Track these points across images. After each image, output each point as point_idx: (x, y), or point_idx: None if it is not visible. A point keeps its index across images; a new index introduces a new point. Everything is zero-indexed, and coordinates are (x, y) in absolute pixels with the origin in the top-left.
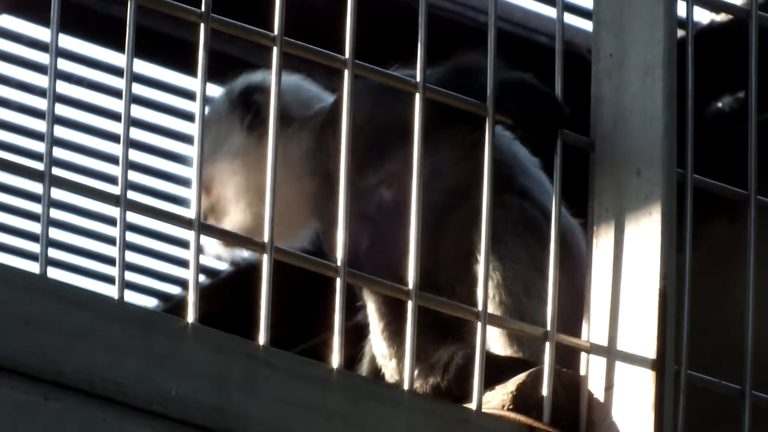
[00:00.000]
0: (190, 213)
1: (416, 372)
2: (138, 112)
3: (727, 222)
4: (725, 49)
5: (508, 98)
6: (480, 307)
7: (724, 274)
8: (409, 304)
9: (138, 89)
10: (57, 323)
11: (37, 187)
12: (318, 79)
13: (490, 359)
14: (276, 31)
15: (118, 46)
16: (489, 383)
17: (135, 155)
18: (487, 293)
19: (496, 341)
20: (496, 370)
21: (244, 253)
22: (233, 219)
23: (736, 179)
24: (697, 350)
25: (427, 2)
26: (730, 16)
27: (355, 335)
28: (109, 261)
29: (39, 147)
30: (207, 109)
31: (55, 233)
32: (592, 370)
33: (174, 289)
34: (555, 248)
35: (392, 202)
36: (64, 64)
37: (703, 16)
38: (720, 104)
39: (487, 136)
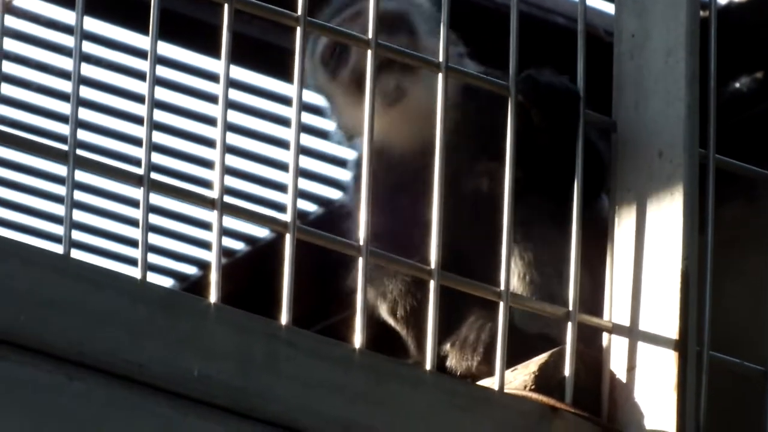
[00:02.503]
0: (212, 193)
1: (449, 346)
2: (161, 94)
3: (744, 201)
4: (743, 29)
5: (524, 80)
6: (502, 287)
7: (742, 254)
8: (431, 284)
9: (160, 71)
10: (80, 304)
11: (60, 169)
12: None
13: (514, 337)
14: (299, 11)
15: (141, 28)
16: (514, 361)
17: (157, 137)
18: (509, 274)
19: (523, 318)
20: (521, 347)
21: None
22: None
23: (754, 159)
24: (718, 330)
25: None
26: None
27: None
28: (127, 242)
29: (60, 128)
30: None
31: (77, 215)
32: (614, 350)
33: (190, 269)
34: (577, 229)
35: (487, 196)
36: (86, 46)
37: None
38: (738, 84)
39: (509, 115)
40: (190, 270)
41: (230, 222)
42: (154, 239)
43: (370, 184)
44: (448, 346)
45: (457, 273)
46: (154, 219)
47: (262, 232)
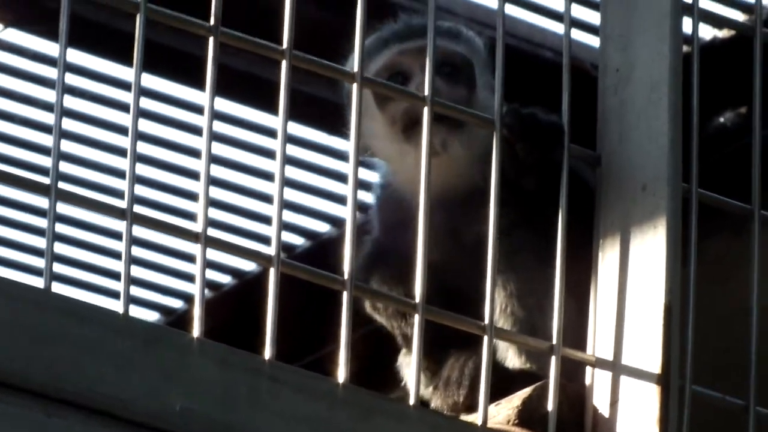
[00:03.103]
0: (196, 226)
1: (431, 390)
2: (145, 126)
3: (730, 236)
4: (727, 64)
5: (508, 113)
6: (486, 321)
7: (728, 288)
8: (416, 318)
9: (144, 103)
10: (60, 338)
11: (42, 202)
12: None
13: (498, 371)
14: (285, 45)
15: (125, 60)
16: (497, 395)
17: (141, 169)
18: (493, 308)
19: (506, 353)
20: (505, 382)
21: None
22: None
23: (739, 194)
24: (701, 365)
25: (435, 17)
26: (731, 32)
27: (362, 347)
28: (111, 275)
29: (44, 161)
30: None
31: (58, 247)
32: (597, 384)
33: (176, 303)
34: (561, 262)
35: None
36: (70, 78)
37: (705, 32)
38: (722, 119)
39: (494, 148)
40: (176, 304)
41: (217, 255)
42: (140, 272)
43: (354, 221)
44: (430, 390)
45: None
46: (140, 252)
47: (248, 266)
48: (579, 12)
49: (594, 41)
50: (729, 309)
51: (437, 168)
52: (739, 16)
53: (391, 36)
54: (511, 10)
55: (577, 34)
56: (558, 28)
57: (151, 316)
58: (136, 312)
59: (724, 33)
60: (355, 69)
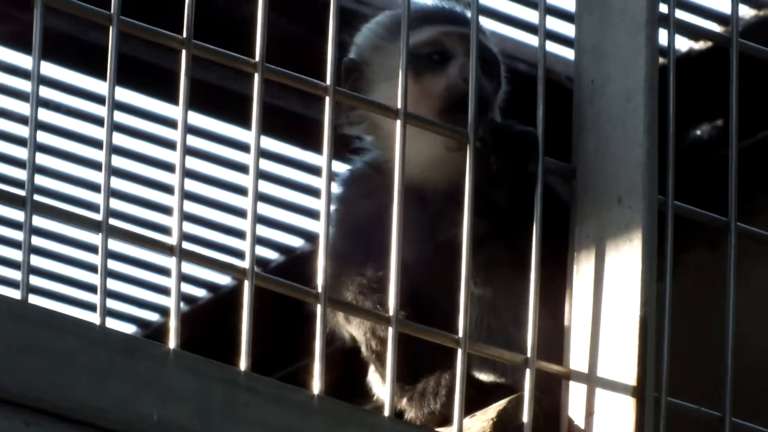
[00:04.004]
0: (171, 239)
1: (406, 401)
2: (119, 139)
3: (707, 249)
4: (704, 76)
5: (482, 125)
6: (461, 334)
7: (705, 300)
8: (390, 331)
9: (118, 116)
10: (38, 349)
11: (18, 214)
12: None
13: (473, 383)
14: (257, 58)
15: (99, 73)
16: (473, 407)
17: (116, 183)
18: (467, 321)
19: (480, 366)
20: (481, 394)
21: None
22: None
23: (716, 206)
24: (677, 377)
25: (407, 35)
26: (708, 44)
27: (336, 361)
28: (88, 288)
29: (19, 174)
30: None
31: (35, 260)
32: (573, 396)
33: (153, 316)
34: (536, 275)
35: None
36: (44, 91)
37: (682, 44)
38: (699, 132)
39: (468, 161)
40: (153, 317)
41: (193, 269)
42: (118, 286)
43: (328, 235)
44: (405, 401)
45: (425, 320)
46: (117, 266)
47: (224, 280)
48: (554, 24)
49: (569, 54)
50: (705, 321)
51: (446, 163)
52: (715, 27)
53: (434, 14)
54: (484, 22)
55: (552, 47)
56: (533, 40)
57: (129, 329)
58: (114, 325)
59: (700, 45)
60: (328, 82)
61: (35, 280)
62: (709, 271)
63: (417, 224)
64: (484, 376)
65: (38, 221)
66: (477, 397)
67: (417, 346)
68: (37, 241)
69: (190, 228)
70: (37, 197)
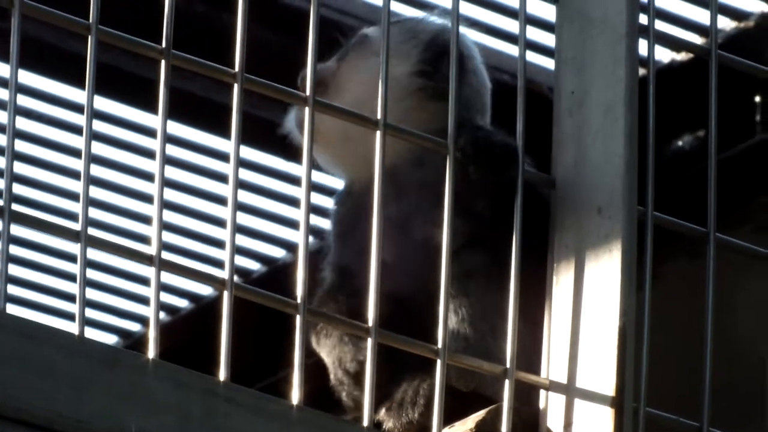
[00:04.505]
0: (150, 249)
1: (384, 412)
2: (98, 148)
3: (687, 258)
4: (685, 88)
5: (462, 135)
6: (440, 345)
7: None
8: (369, 342)
9: (97, 126)
10: (16, 359)
11: None
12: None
13: (452, 394)
14: (237, 68)
15: (78, 82)
16: (452, 418)
17: (95, 192)
18: (446, 332)
19: (458, 377)
20: (459, 404)
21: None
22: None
23: (696, 217)
24: (656, 387)
25: (388, 42)
26: (689, 56)
27: (316, 371)
28: (68, 298)
29: None
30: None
31: (13, 269)
32: (551, 407)
33: (134, 326)
34: (515, 285)
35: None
36: (22, 100)
37: (663, 55)
38: (680, 143)
39: (448, 171)
40: (134, 327)
41: (174, 279)
42: (98, 296)
43: (307, 245)
44: (383, 412)
45: (403, 322)
46: (98, 276)
47: (206, 290)
48: (535, 35)
49: (550, 64)
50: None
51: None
52: (696, 38)
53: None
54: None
55: (533, 57)
56: (513, 50)
57: (110, 339)
58: (95, 335)
59: (682, 56)
60: (308, 93)
61: (13, 290)
62: (689, 282)
63: (391, 222)
64: (462, 386)
65: (16, 230)
66: (456, 408)
67: (395, 356)
68: (15, 250)
69: (171, 238)
70: (15, 206)
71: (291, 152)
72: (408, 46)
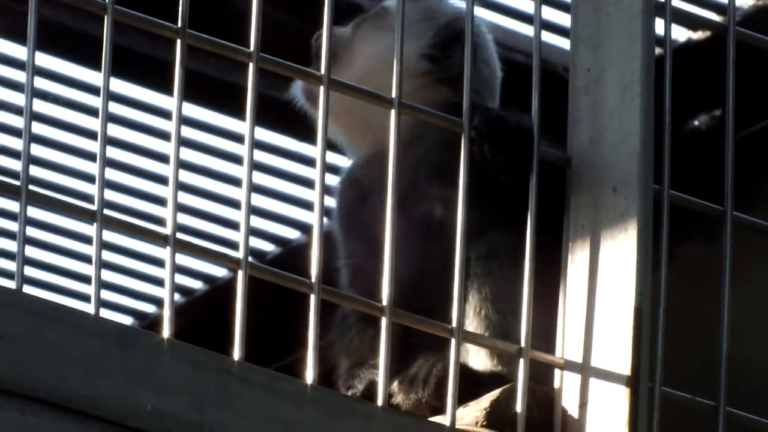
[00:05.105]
0: (165, 229)
1: (396, 384)
2: (114, 130)
3: (704, 240)
4: (702, 67)
5: (477, 115)
6: (454, 324)
7: (701, 291)
8: (383, 321)
9: (113, 107)
10: (33, 338)
11: (13, 205)
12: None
13: (466, 373)
14: (252, 47)
15: (94, 64)
16: (466, 398)
17: (111, 173)
18: (461, 310)
19: (476, 355)
20: (473, 384)
21: None
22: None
23: (715, 197)
24: (672, 367)
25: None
26: (706, 35)
27: (329, 352)
28: (84, 279)
29: (14, 165)
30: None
31: (30, 251)
32: (567, 386)
33: (149, 308)
34: (530, 265)
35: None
36: (39, 82)
37: (680, 34)
38: (697, 122)
39: (462, 151)
40: (150, 309)
41: (189, 261)
42: (114, 277)
43: (321, 225)
44: (395, 384)
45: (412, 301)
46: (115, 258)
47: (220, 272)
48: (550, 14)
49: (566, 44)
50: (701, 312)
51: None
52: (714, 16)
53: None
54: (480, 12)
55: (548, 37)
56: (529, 31)
57: (125, 320)
58: (110, 316)
59: (699, 35)
60: (323, 71)
61: (30, 271)
62: (706, 264)
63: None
64: (479, 366)
65: (33, 212)
66: (469, 387)
67: (409, 332)
68: (32, 231)
69: (185, 219)
70: (32, 188)
71: (305, 132)
72: (421, 27)
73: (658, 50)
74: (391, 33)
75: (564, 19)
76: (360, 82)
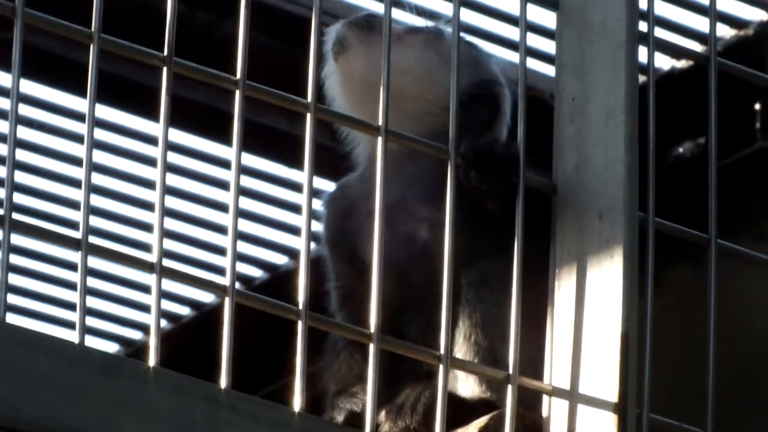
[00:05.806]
0: (151, 257)
1: (384, 413)
2: (99, 157)
3: (690, 265)
4: (685, 95)
5: (463, 143)
6: (442, 351)
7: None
8: (371, 347)
9: (98, 134)
10: (16, 368)
11: None
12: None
13: (455, 400)
14: (238, 75)
15: (79, 91)
16: (454, 424)
17: (96, 200)
18: (449, 337)
19: (465, 382)
20: (462, 411)
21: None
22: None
23: (700, 225)
24: (659, 393)
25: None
26: (690, 63)
27: (318, 379)
28: (69, 306)
29: None
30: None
31: (14, 278)
32: (554, 413)
33: (135, 335)
34: (517, 291)
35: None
36: (24, 109)
37: (664, 62)
38: (681, 149)
39: (449, 177)
40: (136, 335)
41: (176, 287)
42: (99, 304)
43: (309, 252)
44: (383, 414)
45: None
46: (99, 284)
47: (207, 297)
48: (536, 41)
49: (551, 71)
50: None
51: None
52: (696, 46)
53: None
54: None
55: (535, 64)
56: (515, 58)
57: (111, 347)
58: (96, 343)
59: (683, 63)
60: (309, 99)
61: (14, 299)
62: (691, 290)
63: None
64: (468, 392)
65: (17, 239)
66: (458, 414)
67: (397, 360)
68: (15, 259)
69: (172, 245)
70: (15, 215)
71: (292, 158)
72: (467, 70)
73: (642, 78)
74: (429, 56)
75: (551, 46)
76: (405, 80)
